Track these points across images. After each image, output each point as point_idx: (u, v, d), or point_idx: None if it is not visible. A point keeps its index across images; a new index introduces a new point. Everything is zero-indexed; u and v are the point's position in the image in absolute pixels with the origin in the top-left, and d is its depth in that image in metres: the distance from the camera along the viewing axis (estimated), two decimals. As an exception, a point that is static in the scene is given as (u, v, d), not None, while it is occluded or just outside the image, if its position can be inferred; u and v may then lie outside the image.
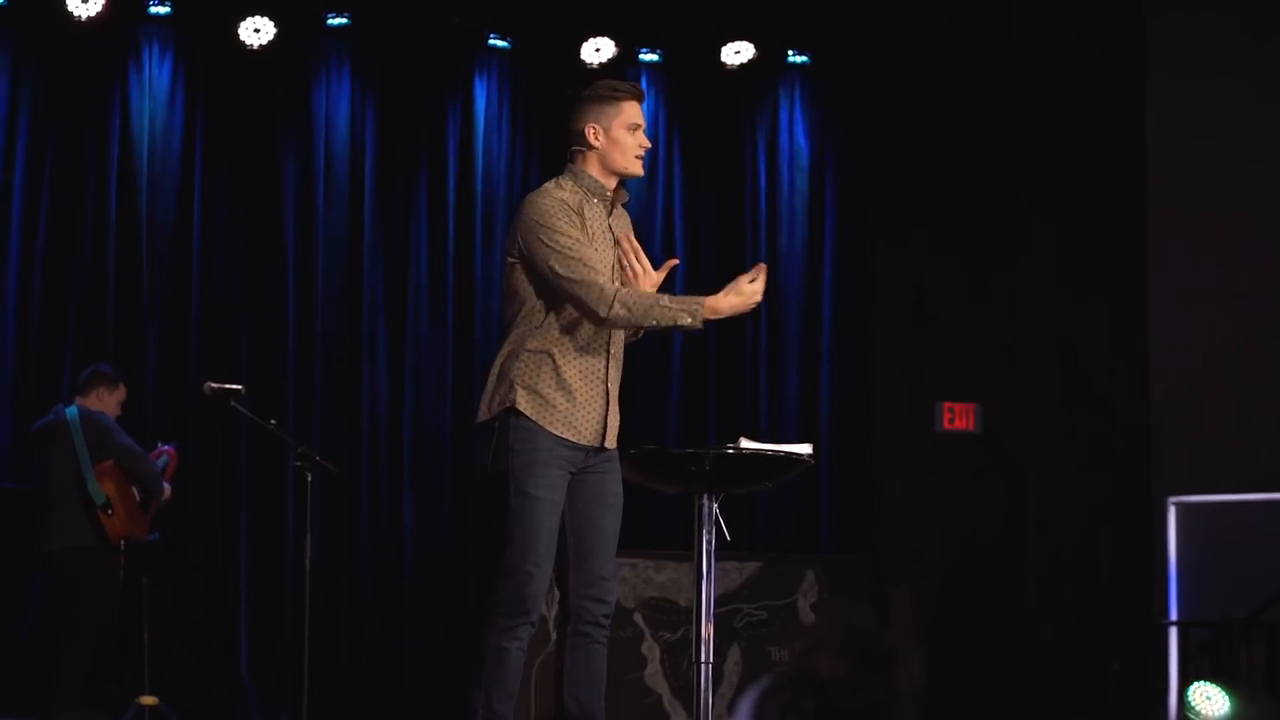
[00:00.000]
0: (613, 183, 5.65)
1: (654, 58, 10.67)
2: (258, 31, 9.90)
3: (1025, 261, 10.93)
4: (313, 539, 8.17)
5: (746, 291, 5.40)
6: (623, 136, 5.61)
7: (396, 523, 10.20)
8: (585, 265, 5.43)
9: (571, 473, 5.54)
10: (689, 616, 8.43)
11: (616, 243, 5.66)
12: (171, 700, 9.07)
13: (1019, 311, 10.90)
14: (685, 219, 10.82)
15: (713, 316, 5.42)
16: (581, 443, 5.53)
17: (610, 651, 5.65)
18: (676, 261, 5.86)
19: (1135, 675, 10.53)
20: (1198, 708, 8.86)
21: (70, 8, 9.55)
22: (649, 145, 5.71)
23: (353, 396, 10.20)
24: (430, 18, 10.32)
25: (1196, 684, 9.03)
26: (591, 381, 5.55)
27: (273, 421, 8.46)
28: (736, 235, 10.87)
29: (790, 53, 10.78)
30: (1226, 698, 8.80)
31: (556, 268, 5.45)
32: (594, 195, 5.61)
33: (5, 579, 9.19)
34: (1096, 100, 11.05)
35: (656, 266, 5.69)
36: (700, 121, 10.89)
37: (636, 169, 5.66)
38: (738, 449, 5.46)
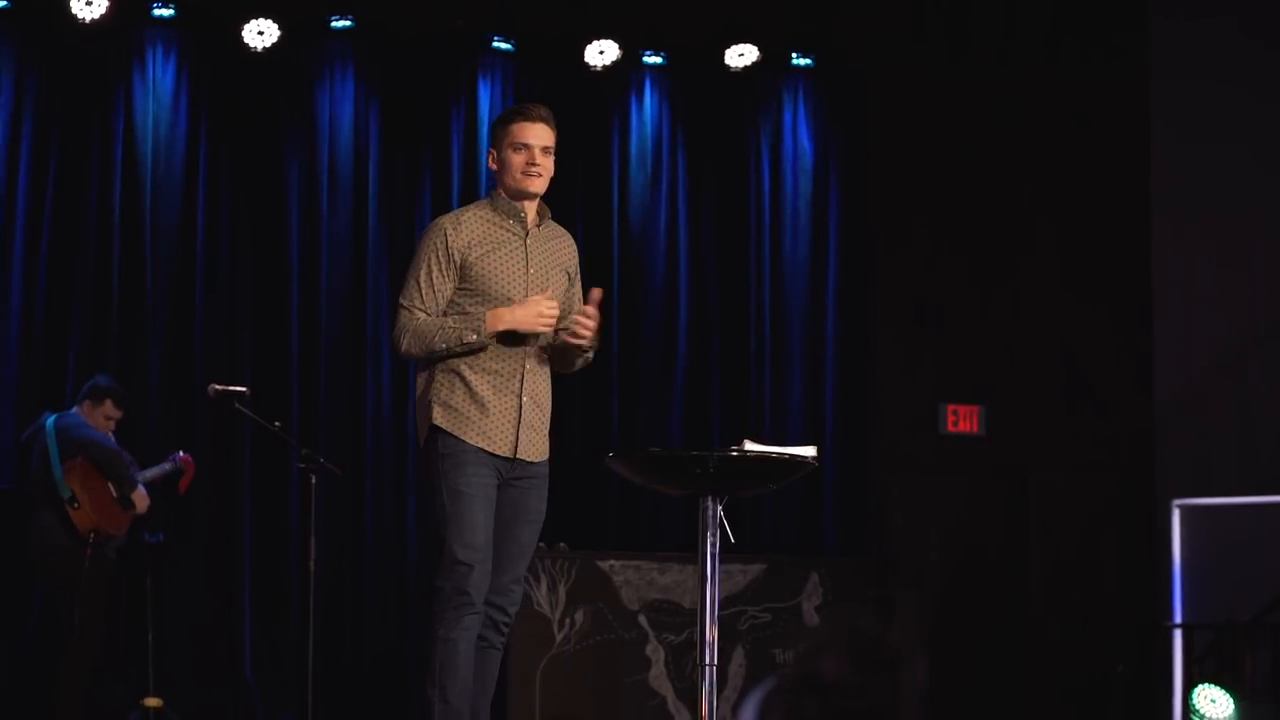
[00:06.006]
0: (524, 203, 5.85)
1: (657, 60, 10.67)
2: (261, 34, 9.91)
3: (1028, 264, 10.94)
4: (316, 540, 8.19)
5: (541, 307, 5.65)
6: (509, 156, 5.83)
7: (400, 524, 10.21)
8: (414, 305, 5.72)
9: (498, 480, 5.71)
10: (693, 619, 8.42)
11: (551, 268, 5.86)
12: (175, 701, 9.08)
13: (1022, 314, 10.90)
14: (689, 221, 10.81)
15: (497, 328, 5.65)
16: (498, 453, 5.70)
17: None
18: (600, 291, 5.91)
19: (1139, 678, 10.53)
20: (1202, 710, 8.87)
21: (74, 10, 9.56)
22: (537, 163, 5.83)
23: (356, 398, 10.20)
24: (434, 20, 10.32)
25: (1201, 687, 9.04)
26: (504, 395, 5.73)
27: (277, 423, 8.47)
28: (740, 238, 10.87)
29: (794, 55, 10.78)
30: (1231, 700, 8.81)
31: (402, 291, 5.78)
32: (509, 217, 5.82)
33: (7, 582, 9.19)
34: (1100, 102, 11.06)
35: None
36: (704, 124, 10.89)
37: (525, 186, 5.83)
38: (742, 451, 5.46)
